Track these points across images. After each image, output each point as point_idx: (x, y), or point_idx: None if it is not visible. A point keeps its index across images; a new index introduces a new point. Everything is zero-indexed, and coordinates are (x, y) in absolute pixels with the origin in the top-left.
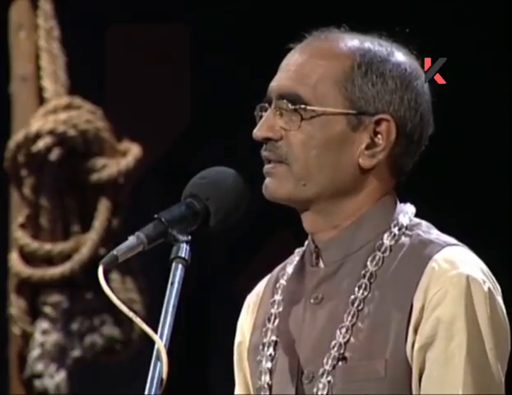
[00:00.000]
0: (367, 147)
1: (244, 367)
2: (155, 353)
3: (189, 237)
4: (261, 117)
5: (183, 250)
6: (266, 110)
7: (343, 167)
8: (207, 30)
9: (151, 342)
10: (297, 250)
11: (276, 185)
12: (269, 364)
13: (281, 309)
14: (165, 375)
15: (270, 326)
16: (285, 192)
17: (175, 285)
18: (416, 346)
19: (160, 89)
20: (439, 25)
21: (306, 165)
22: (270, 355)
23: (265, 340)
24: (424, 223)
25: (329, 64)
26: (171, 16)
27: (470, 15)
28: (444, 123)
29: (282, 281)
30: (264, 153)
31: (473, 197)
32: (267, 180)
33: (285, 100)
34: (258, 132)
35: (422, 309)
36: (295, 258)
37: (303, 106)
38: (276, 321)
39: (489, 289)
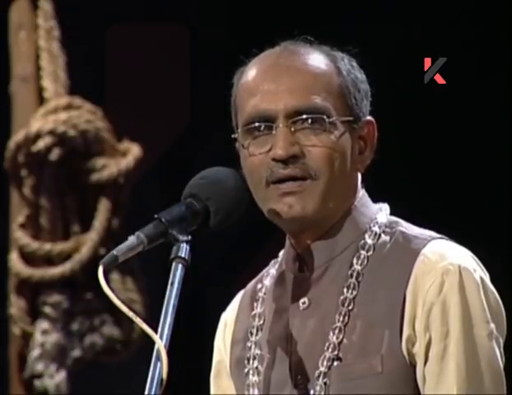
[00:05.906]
0: (359, 152)
1: (223, 385)
2: (155, 353)
3: (189, 237)
4: (255, 137)
5: (183, 250)
6: (269, 130)
7: (352, 176)
8: (207, 30)
9: (151, 342)
10: (272, 262)
11: (303, 203)
12: (256, 378)
13: (262, 322)
14: (165, 375)
15: (253, 339)
16: (313, 209)
17: (175, 285)
18: (420, 340)
19: (160, 89)
20: (438, 25)
21: (333, 178)
22: (256, 367)
23: (249, 354)
24: (401, 220)
25: (326, 77)
26: (171, 16)
27: (468, 14)
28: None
29: (261, 294)
30: (287, 171)
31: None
32: (291, 199)
33: (304, 116)
34: (282, 151)
35: (416, 302)
36: (270, 270)
37: (326, 117)
38: (260, 334)
39: (481, 277)
